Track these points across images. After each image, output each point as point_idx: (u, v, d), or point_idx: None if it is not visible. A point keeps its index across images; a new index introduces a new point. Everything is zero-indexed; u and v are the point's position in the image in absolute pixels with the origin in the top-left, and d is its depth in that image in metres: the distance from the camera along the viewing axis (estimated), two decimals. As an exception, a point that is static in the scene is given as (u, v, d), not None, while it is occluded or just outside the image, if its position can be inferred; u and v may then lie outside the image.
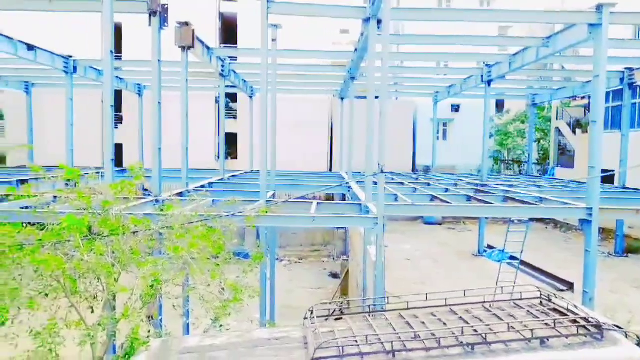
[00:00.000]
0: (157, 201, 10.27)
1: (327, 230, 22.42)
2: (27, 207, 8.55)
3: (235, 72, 18.96)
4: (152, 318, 8.01)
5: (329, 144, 30.84)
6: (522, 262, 16.30)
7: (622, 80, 18.93)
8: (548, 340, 4.24)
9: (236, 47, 28.52)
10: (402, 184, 16.64)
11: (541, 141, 34.48)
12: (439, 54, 19.69)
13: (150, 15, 10.06)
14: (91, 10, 10.84)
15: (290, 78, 20.46)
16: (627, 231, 20.50)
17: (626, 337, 4.36)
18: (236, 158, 29.38)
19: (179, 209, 7.57)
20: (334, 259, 21.99)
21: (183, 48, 12.00)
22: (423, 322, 4.71)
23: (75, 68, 17.61)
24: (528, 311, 4.93)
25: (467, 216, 26.04)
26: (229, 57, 17.66)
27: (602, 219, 10.45)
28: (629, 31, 22.98)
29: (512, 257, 16.71)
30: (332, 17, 14.14)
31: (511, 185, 16.64)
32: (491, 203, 11.79)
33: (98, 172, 8.13)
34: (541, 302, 5.18)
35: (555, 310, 4.88)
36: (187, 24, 11.70)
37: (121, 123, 28.27)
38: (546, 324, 4.45)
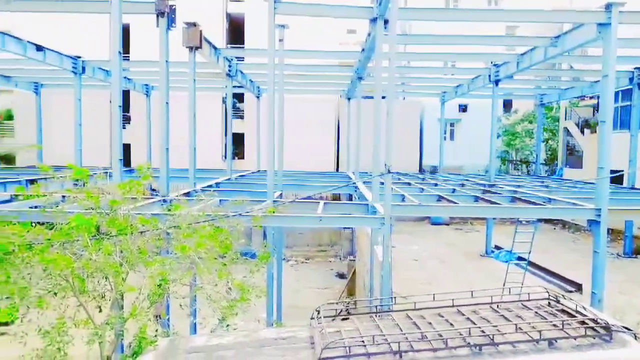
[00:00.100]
0: (164, 201, 10.31)
1: (333, 231, 22.42)
2: (36, 207, 8.63)
3: (242, 72, 19.01)
4: (159, 317, 8.05)
5: (336, 144, 30.83)
6: (530, 263, 16.22)
7: (631, 80, 18.79)
8: (556, 341, 4.22)
9: (243, 47, 28.58)
10: (409, 184, 16.60)
11: (549, 141, 34.29)
12: (446, 54, 19.63)
13: (157, 16, 10.11)
14: (100, 11, 10.90)
15: (297, 78, 20.46)
16: (636, 232, 20.34)
17: (635, 338, 4.32)
18: (243, 158, 29.43)
19: (186, 208, 7.60)
20: (340, 259, 21.98)
21: (190, 48, 12.04)
22: (430, 323, 4.69)
23: (83, 69, 17.74)
24: (536, 312, 4.90)
25: (474, 217, 25.96)
26: (236, 58, 17.71)
27: (611, 220, 10.37)
28: (639, 30, 22.79)
29: (520, 258, 16.64)
30: (339, 17, 14.15)
31: (519, 186, 16.56)
32: (499, 203, 11.73)
33: (106, 172, 8.17)
34: (549, 303, 5.14)
35: (563, 311, 4.85)
36: (194, 24, 11.74)
37: (129, 123, 28.41)
38: (554, 325, 4.42)
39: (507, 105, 36.31)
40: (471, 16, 13.70)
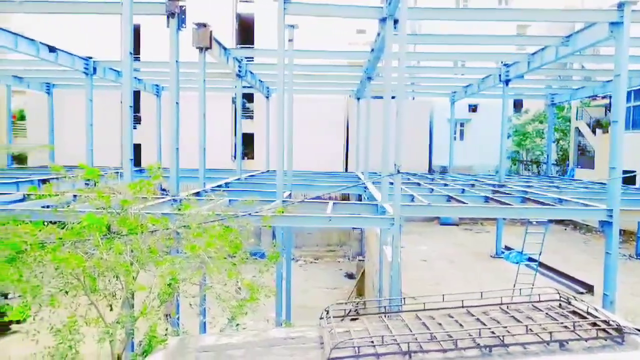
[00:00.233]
0: (174, 201, 10.37)
1: (342, 231, 22.42)
2: (48, 206, 8.71)
3: (251, 73, 19.06)
4: (169, 316, 8.09)
5: (345, 144, 30.81)
6: (541, 264, 16.11)
7: (644, 79, 18.60)
8: (567, 343, 4.18)
9: (253, 47, 28.66)
10: (419, 184, 16.55)
11: (560, 141, 34.00)
12: (456, 54, 19.54)
13: (168, 17, 10.17)
14: (111, 12, 10.98)
15: (306, 78, 20.48)
16: (649, 233, 20.11)
17: (647, 340, 4.28)
18: (252, 158, 29.52)
19: (196, 208, 7.64)
20: (349, 259, 21.97)
21: (200, 49, 12.09)
22: (439, 323, 4.68)
23: (94, 69, 17.89)
24: (547, 313, 4.87)
25: (484, 217, 25.83)
26: (246, 58, 17.76)
27: (622, 221, 10.27)
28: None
29: (530, 259, 16.53)
30: (349, 17, 14.15)
31: (529, 186, 16.44)
32: (509, 204, 11.65)
33: (117, 172, 8.23)
34: (560, 304, 5.11)
35: (574, 312, 4.81)
36: (204, 25, 11.80)
37: (139, 123, 28.60)
38: (565, 327, 4.38)
39: (518, 105, 36.06)
40: (481, 15, 13.63)
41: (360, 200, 19.61)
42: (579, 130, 29.84)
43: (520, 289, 5.55)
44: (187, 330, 6.96)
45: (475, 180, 19.79)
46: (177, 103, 10.61)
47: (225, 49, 14.63)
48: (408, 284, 11.92)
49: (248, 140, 28.84)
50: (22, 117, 31.75)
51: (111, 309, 6.47)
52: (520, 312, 4.92)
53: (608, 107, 27.17)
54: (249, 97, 29.59)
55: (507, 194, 13.73)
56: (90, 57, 17.72)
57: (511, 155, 34.60)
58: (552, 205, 11.60)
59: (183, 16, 10.34)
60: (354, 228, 21.40)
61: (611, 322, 4.38)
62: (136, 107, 26.27)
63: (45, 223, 6.57)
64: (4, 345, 11.93)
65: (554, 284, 15.89)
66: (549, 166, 26.61)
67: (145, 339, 5.81)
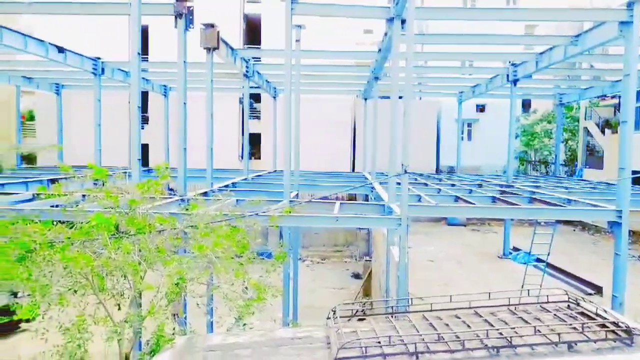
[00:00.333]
0: (182, 200, 10.41)
1: (349, 231, 22.41)
2: (57, 206, 8.77)
3: (259, 73, 19.09)
4: (177, 316, 8.12)
5: (352, 144, 30.80)
6: (549, 265, 16.02)
7: (653, 79, 18.41)
8: (576, 344, 4.16)
9: (260, 47, 28.72)
10: (426, 184, 16.51)
11: (569, 142, 33.77)
12: (463, 53, 19.46)
13: (176, 18, 10.22)
14: (119, 13, 11.04)
15: (313, 78, 20.49)
16: (659, 234, 19.95)
17: (657, 342, 4.24)
18: (259, 158, 29.57)
19: (203, 208, 7.67)
20: (356, 259, 21.96)
21: (208, 49, 12.13)
22: (447, 324, 4.66)
23: (103, 70, 18.00)
24: (555, 315, 4.84)
25: (491, 218, 25.71)
26: (253, 58, 17.79)
27: (632, 222, 10.18)
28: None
29: (538, 260, 16.44)
30: (356, 17, 14.14)
31: (537, 187, 16.35)
32: (517, 204, 11.59)
33: (125, 172, 8.27)
34: (569, 305, 5.08)
35: (583, 314, 4.79)
36: (212, 25, 11.83)
37: (147, 124, 28.74)
38: (574, 328, 4.36)
39: (526, 105, 35.85)
40: (489, 15, 13.57)
41: (367, 200, 19.58)
42: (588, 131, 29.63)
43: (528, 290, 5.52)
44: (194, 330, 7.00)
45: (483, 180, 19.71)
46: (184, 103, 10.65)
47: (232, 49, 14.67)
48: (415, 285, 11.90)
49: (255, 141, 28.90)
50: (32, 118, 32.00)
51: (119, 308, 6.51)
52: (528, 313, 4.89)
53: (617, 107, 26.94)
54: (256, 98, 29.65)
55: (515, 194, 13.66)
56: (99, 58, 17.83)
57: (519, 156, 34.41)
58: (561, 205, 11.53)
59: (191, 17, 10.37)
60: (360, 228, 21.38)
61: (620, 324, 4.35)
62: (144, 108, 26.43)
63: (54, 222, 6.61)
64: (13, 344, 12.03)
65: (562, 285, 15.79)
66: (557, 166, 26.44)
67: (153, 338, 5.84)
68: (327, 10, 10.80)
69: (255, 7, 30.88)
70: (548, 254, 14.98)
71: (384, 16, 10.40)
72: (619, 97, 24.00)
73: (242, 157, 23.80)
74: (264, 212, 8.80)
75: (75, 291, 6.16)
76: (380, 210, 10.78)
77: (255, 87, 20.70)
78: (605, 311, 4.69)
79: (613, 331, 4.30)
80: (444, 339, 4.20)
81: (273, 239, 18.86)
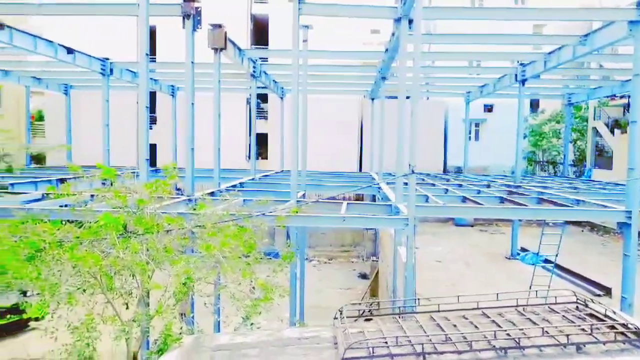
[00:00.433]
0: (190, 200, 10.45)
1: (356, 231, 22.38)
2: (66, 205, 8.83)
3: (266, 73, 19.13)
4: (184, 315, 8.16)
5: (359, 144, 30.77)
6: (557, 266, 15.91)
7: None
8: (584, 346, 4.14)
9: (267, 48, 28.76)
10: (433, 184, 16.46)
11: (577, 142, 33.55)
12: (471, 53, 19.39)
13: (184, 18, 10.26)
14: (127, 14, 11.10)
15: (320, 78, 20.50)
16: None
17: (667, 344, 4.21)
18: (266, 158, 29.61)
19: (211, 208, 7.69)
20: (363, 259, 21.93)
21: (215, 50, 12.17)
22: (454, 325, 4.65)
23: (111, 70, 18.11)
24: (563, 316, 4.81)
25: (499, 218, 25.57)
26: (260, 58, 17.83)
27: (642, 222, 10.11)
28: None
29: (547, 261, 16.32)
30: (364, 17, 14.14)
31: (546, 187, 16.26)
32: (525, 205, 11.53)
33: (133, 172, 8.32)
34: (577, 306, 5.05)
35: (592, 315, 4.76)
36: (219, 26, 11.87)
37: (155, 124, 28.86)
38: (582, 330, 4.34)
39: (534, 104, 35.64)
40: (497, 15, 13.51)
41: (375, 200, 19.56)
42: (597, 131, 29.42)
43: (536, 291, 5.49)
44: (201, 329, 7.01)
45: (491, 180, 19.62)
46: (192, 104, 10.68)
47: (240, 49, 14.70)
48: (422, 285, 11.88)
49: (262, 141, 28.94)
50: (41, 118, 32.25)
51: (127, 308, 6.54)
52: (537, 314, 4.87)
53: (627, 107, 26.73)
54: (263, 98, 29.70)
55: (523, 194, 13.59)
56: (107, 58, 17.94)
57: (527, 156, 34.22)
58: (569, 206, 11.46)
59: (198, 17, 10.41)
60: (367, 228, 21.35)
61: (630, 325, 4.32)
62: (152, 108, 26.53)
63: (63, 222, 6.66)
64: (22, 342, 12.13)
65: (571, 286, 15.68)
66: (565, 167, 26.27)
67: (161, 337, 5.87)
68: (335, 10, 10.80)
69: (263, 7, 30.92)
70: (556, 255, 14.88)
71: (392, 16, 10.39)
72: (629, 96, 23.81)
73: (249, 157, 23.85)
74: (271, 212, 8.81)
75: (84, 290, 6.20)
76: (388, 211, 10.76)
77: (263, 87, 20.74)
78: (615, 312, 4.66)
79: (622, 333, 4.27)
80: (451, 340, 4.19)
81: (280, 239, 18.87)
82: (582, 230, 26.21)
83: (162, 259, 6.28)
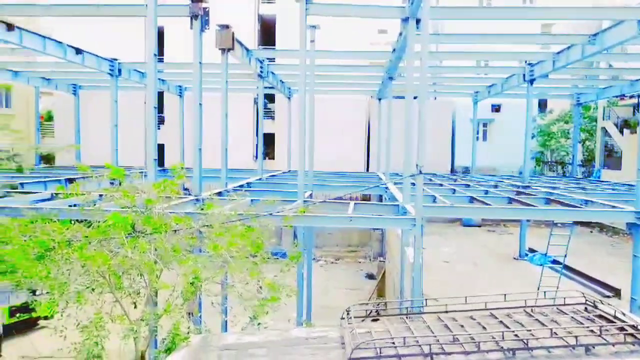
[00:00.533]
0: (197, 200, 10.48)
1: (363, 231, 22.36)
2: (75, 205, 8.89)
3: (273, 73, 19.15)
4: (192, 315, 8.19)
5: (366, 144, 30.73)
6: (566, 267, 15.81)
7: (674, 78, 18.10)
8: (593, 347, 4.11)
9: (274, 48, 28.80)
10: (441, 185, 16.41)
11: (586, 142, 33.31)
12: (479, 53, 19.32)
13: (191, 19, 10.30)
14: (135, 15, 11.16)
15: (327, 79, 20.50)
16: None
17: (678, 346, 4.17)
18: (273, 158, 29.65)
19: (218, 208, 7.71)
20: (370, 259, 21.91)
21: (223, 50, 12.20)
22: (462, 326, 4.64)
23: (120, 71, 18.22)
24: (572, 317, 4.78)
25: (507, 219, 25.43)
26: (267, 59, 17.85)
27: (652, 223, 10.02)
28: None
29: (555, 261, 16.23)
30: (371, 17, 14.12)
31: (554, 187, 16.16)
32: (533, 205, 11.46)
33: (141, 172, 8.36)
34: (586, 308, 5.01)
35: (601, 316, 4.72)
36: (227, 26, 11.90)
37: (163, 124, 28.96)
38: (591, 331, 4.31)
39: (542, 104, 35.43)
40: (505, 14, 13.44)
41: (382, 201, 19.54)
42: (606, 131, 29.20)
43: (544, 292, 5.46)
44: (209, 329, 7.04)
45: (499, 181, 19.53)
46: (200, 104, 10.72)
47: (247, 50, 14.73)
48: (430, 286, 11.84)
49: (269, 141, 28.98)
50: (50, 118, 32.49)
51: (135, 307, 6.58)
52: (545, 316, 4.85)
53: (636, 107, 26.52)
54: (270, 98, 29.74)
55: (532, 195, 13.52)
56: (116, 59, 18.04)
57: (535, 156, 34.03)
58: (578, 206, 11.38)
59: (206, 18, 10.44)
60: (374, 229, 21.32)
61: (639, 327, 4.28)
62: (160, 108, 26.63)
63: (72, 221, 6.71)
64: (32, 341, 12.23)
65: (580, 287, 15.57)
66: (574, 167, 26.09)
67: (169, 336, 5.90)
68: (342, 10, 10.80)
69: (270, 7, 30.97)
70: (565, 256, 14.79)
71: (399, 16, 10.37)
72: (638, 96, 23.63)
73: (256, 157, 23.88)
74: (279, 212, 8.82)
75: (93, 289, 6.25)
76: (395, 211, 10.74)
77: (270, 88, 20.77)
78: (624, 314, 4.62)
79: (632, 334, 4.23)
80: (459, 341, 4.18)
81: (287, 239, 18.89)
82: (591, 231, 26.03)
83: (170, 258, 6.31)
